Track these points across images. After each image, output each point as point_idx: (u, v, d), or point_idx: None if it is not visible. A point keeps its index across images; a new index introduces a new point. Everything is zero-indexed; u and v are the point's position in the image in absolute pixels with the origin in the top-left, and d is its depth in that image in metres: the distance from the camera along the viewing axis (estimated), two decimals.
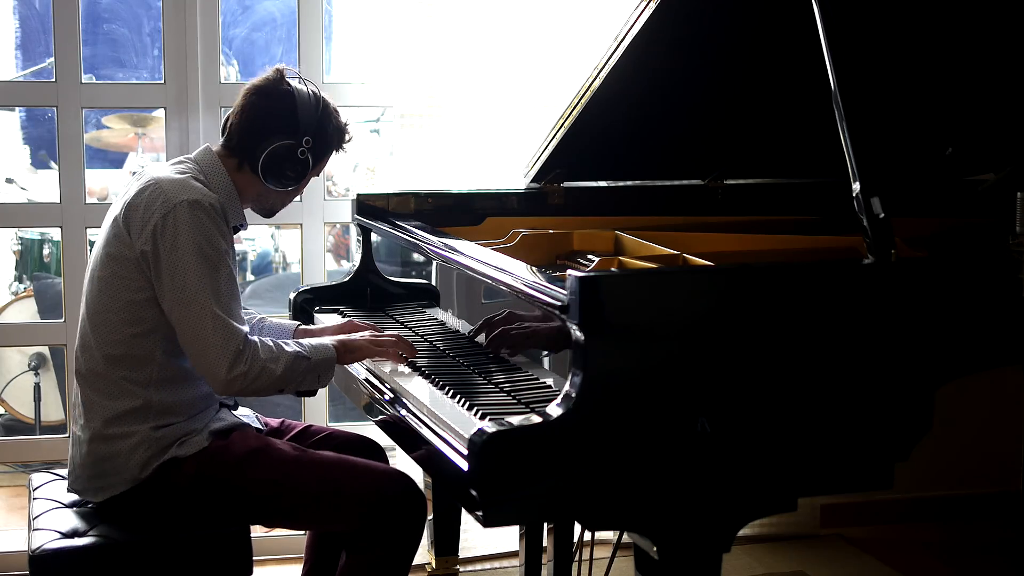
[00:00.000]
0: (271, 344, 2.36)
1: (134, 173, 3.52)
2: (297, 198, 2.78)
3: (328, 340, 2.48)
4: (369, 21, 5.38)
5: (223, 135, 2.53)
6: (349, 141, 2.61)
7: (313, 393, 2.58)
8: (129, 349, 2.38)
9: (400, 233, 2.81)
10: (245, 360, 2.29)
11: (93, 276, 2.43)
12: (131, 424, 2.37)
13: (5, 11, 5.59)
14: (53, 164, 5.04)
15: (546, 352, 2.34)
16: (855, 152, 2.14)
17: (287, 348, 2.38)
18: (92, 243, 3.62)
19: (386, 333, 2.56)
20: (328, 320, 2.91)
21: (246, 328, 2.35)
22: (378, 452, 2.65)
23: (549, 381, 2.26)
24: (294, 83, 2.49)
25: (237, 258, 2.58)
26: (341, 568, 2.43)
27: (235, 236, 2.52)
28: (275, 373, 2.33)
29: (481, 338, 2.54)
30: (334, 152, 2.59)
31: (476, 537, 3.55)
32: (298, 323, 2.78)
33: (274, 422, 2.69)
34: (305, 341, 2.45)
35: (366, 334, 2.54)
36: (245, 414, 2.61)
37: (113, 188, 5.47)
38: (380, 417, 2.45)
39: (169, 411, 2.40)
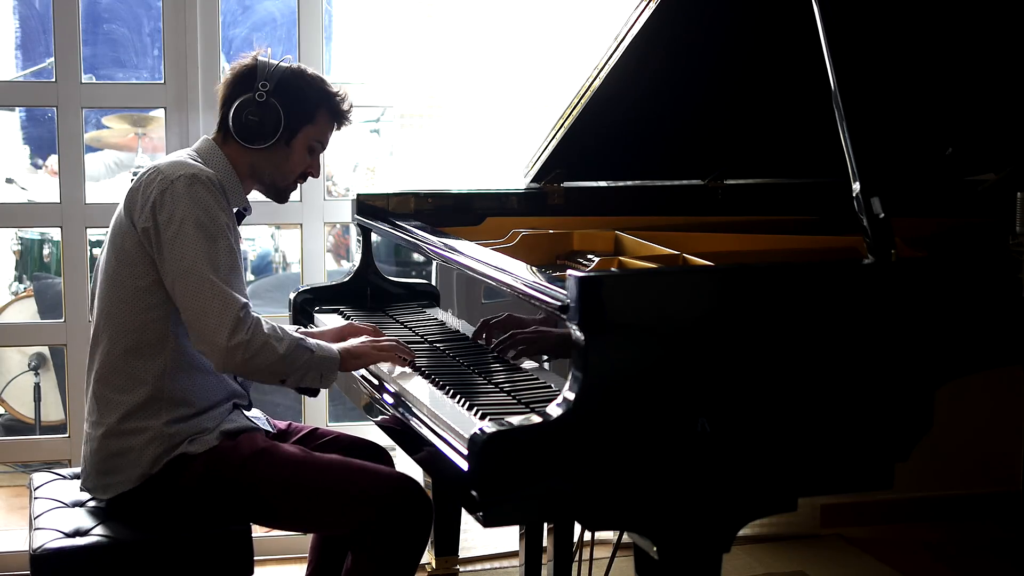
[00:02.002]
0: (275, 325, 2.37)
1: (135, 173, 3.53)
2: (296, 195, 2.77)
3: (333, 346, 2.47)
4: (369, 21, 5.38)
5: None
6: (348, 110, 2.58)
7: (315, 393, 2.58)
8: (142, 336, 2.39)
9: (400, 233, 2.81)
10: (246, 328, 2.29)
11: (106, 266, 2.45)
12: (145, 419, 2.39)
13: (5, 11, 5.59)
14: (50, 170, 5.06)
15: (547, 357, 2.34)
16: (855, 152, 2.14)
17: (295, 334, 2.39)
18: (92, 243, 3.63)
19: (384, 337, 2.56)
20: (328, 320, 2.90)
21: (247, 300, 2.34)
22: (383, 456, 2.66)
23: (549, 381, 2.26)
24: (262, 58, 2.52)
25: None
26: (347, 570, 2.43)
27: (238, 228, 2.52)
28: (276, 352, 2.31)
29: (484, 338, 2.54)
30: (328, 117, 2.55)
31: (476, 537, 3.55)
32: (298, 327, 2.78)
33: (281, 424, 2.69)
34: (316, 340, 2.45)
35: (366, 338, 2.54)
36: (256, 415, 2.61)
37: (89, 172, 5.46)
38: (380, 417, 2.45)
39: (182, 402, 2.41)
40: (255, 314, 2.34)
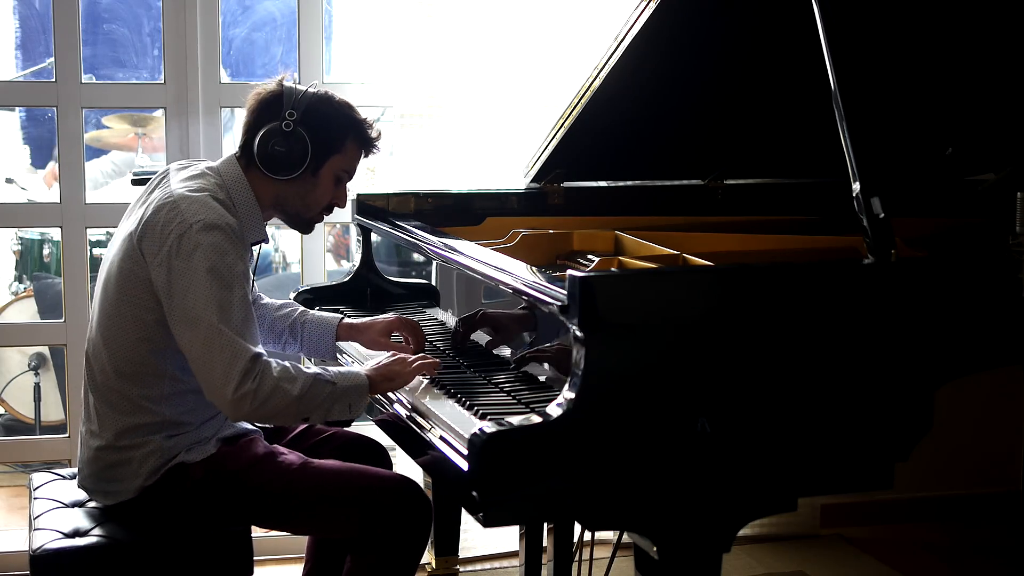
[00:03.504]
0: (288, 364, 2.28)
1: (146, 179, 3.48)
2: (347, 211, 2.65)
3: (361, 369, 2.38)
4: (369, 21, 5.38)
5: None
6: (377, 138, 2.50)
7: (348, 424, 2.46)
8: (140, 366, 2.35)
9: (400, 233, 2.81)
10: (254, 377, 2.20)
11: (106, 287, 2.39)
12: (144, 435, 2.37)
13: (5, 11, 5.59)
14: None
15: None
16: (855, 152, 2.14)
17: (307, 370, 2.29)
18: (92, 243, 3.64)
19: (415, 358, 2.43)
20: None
21: (260, 349, 2.26)
22: (381, 453, 2.65)
23: (549, 381, 2.25)
24: (287, 83, 2.45)
25: None
26: (347, 572, 2.42)
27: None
28: (290, 394, 2.23)
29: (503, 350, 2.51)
30: (356, 146, 2.47)
31: (476, 537, 3.55)
32: (341, 316, 2.71)
33: None
34: (340, 368, 2.37)
35: (391, 355, 2.44)
36: None
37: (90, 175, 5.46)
38: (380, 417, 2.45)
39: (181, 422, 2.39)
40: (267, 359, 2.25)
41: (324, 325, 2.67)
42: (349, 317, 2.79)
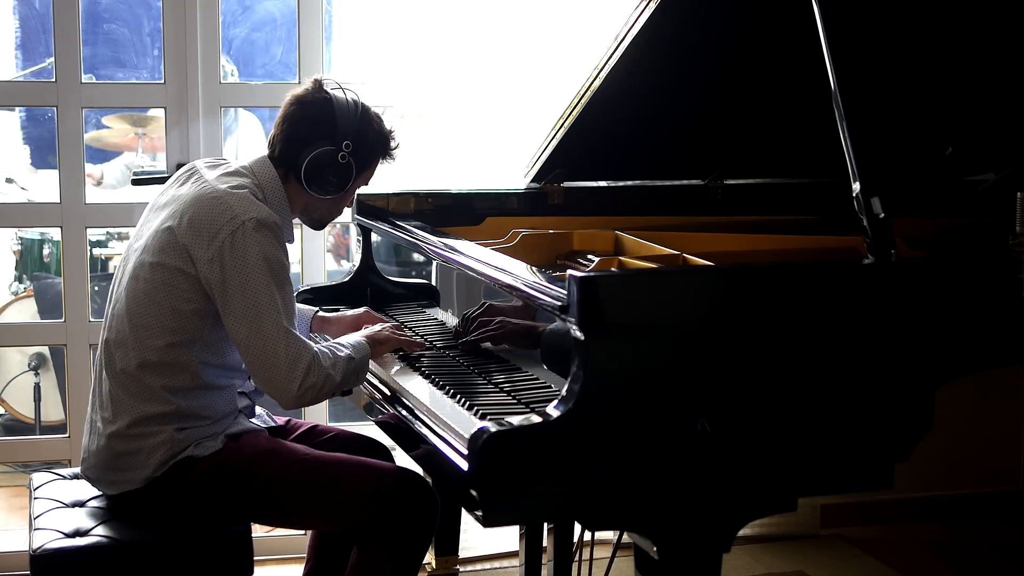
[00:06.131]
0: (325, 350, 2.37)
1: (147, 179, 3.49)
2: (347, 210, 2.74)
3: (358, 336, 2.51)
4: (369, 21, 5.38)
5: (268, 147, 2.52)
6: (396, 148, 2.58)
7: (350, 392, 2.58)
8: (165, 356, 2.37)
9: (400, 233, 2.81)
10: (313, 372, 2.30)
11: (136, 276, 2.40)
12: (156, 425, 2.38)
13: (5, 11, 5.59)
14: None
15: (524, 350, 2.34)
16: (855, 152, 2.14)
17: (340, 352, 2.39)
18: (92, 243, 3.63)
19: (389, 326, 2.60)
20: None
21: (311, 342, 2.35)
22: (383, 453, 2.66)
23: (549, 381, 2.26)
24: (331, 90, 2.48)
25: None
26: (353, 565, 2.43)
27: None
28: (335, 380, 2.35)
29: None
30: (380, 160, 2.57)
31: (476, 537, 3.55)
32: (317, 309, 2.78)
33: (280, 420, 2.69)
34: (345, 340, 2.47)
35: (387, 326, 2.60)
36: (258, 413, 2.61)
37: (108, 180, 5.47)
38: (380, 417, 2.46)
39: (195, 416, 2.41)
40: (315, 350, 2.34)
41: (301, 317, 2.70)
42: (324, 311, 2.81)
